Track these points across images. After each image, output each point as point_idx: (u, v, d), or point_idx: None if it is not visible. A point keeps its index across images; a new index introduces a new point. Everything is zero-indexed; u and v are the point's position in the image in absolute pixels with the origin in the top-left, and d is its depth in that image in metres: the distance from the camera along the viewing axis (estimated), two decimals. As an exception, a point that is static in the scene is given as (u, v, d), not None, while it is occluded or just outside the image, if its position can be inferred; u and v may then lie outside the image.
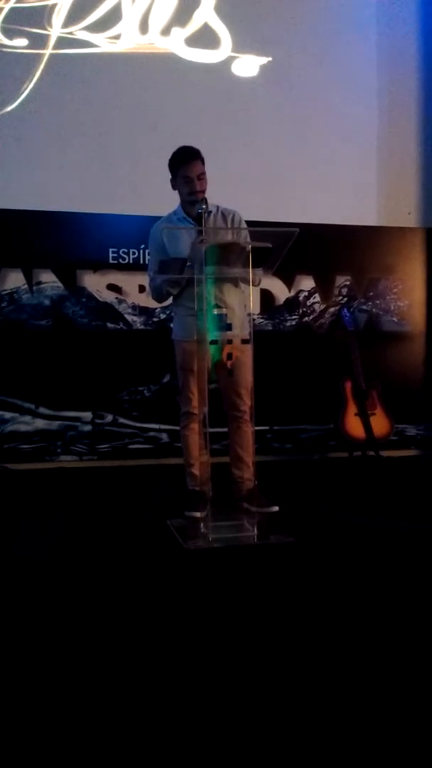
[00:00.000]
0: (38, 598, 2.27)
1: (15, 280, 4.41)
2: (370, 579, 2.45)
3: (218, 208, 3.26)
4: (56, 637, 1.95)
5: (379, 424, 4.53)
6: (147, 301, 4.56)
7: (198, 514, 3.08)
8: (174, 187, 3.23)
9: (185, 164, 3.13)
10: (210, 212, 3.19)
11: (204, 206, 3.09)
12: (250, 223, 3.39)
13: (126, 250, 4.54)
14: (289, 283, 4.83)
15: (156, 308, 4.56)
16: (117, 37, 4.73)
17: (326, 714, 1.56)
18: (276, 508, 3.23)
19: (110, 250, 4.52)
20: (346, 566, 2.59)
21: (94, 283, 4.52)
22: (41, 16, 4.58)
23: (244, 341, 3.08)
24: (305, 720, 1.53)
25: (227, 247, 2.98)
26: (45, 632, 1.99)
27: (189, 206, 3.20)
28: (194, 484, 3.26)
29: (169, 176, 3.23)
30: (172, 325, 3.38)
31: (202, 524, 2.96)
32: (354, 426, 4.51)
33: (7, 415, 4.38)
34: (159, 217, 3.32)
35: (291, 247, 2.92)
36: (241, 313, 3.22)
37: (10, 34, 4.53)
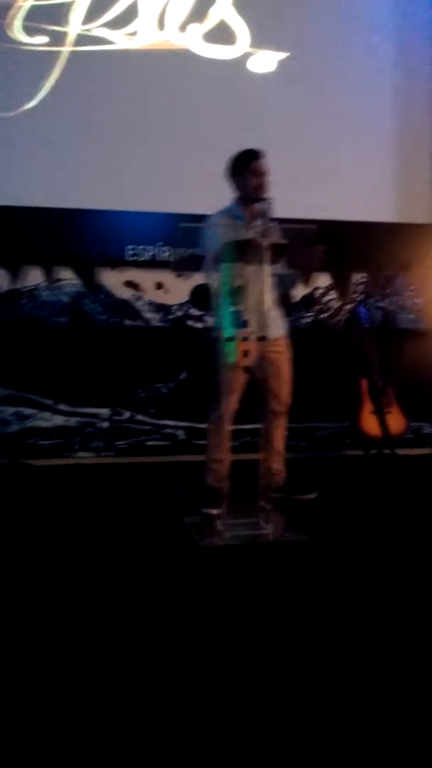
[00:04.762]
0: (53, 593, 2.30)
1: (34, 277, 4.46)
2: (384, 578, 2.47)
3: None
4: (71, 633, 1.99)
5: (395, 421, 4.52)
6: (164, 298, 4.59)
7: (214, 511, 3.12)
8: (236, 183, 3.29)
9: (258, 159, 3.24)
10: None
11: (270, 201, 3.13)
12: (273, 221, 3.40)
13: (144, 248, 4.56)
14: (305, 279, 4.84)
15: (173, 305, 4.58)
16: (134, 33, 4.73)
17: (341, 711, 1.58)
18: (314, 495, 3.43)
19: (128, 247, 4.55)
20: (360, 565, 2.61)
21: (112, 280, 4.55)
22: (60, 13, 4.60)
23: (285, 338, 3.35)
24: (320, 717, 1.56)
25: (277, 247, 3.03)
26: (59, 628, 2.03)
27: (249, 202, 3.26)
28: (213, 481, 3.30)
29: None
30: (215, 321, 3.31)
31: (218, 522, 2.99)
32: (370, 424, 4.50)
33: (27, 411, 4.43)
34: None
35: (307, 243, 2.96)
36: (279, 310, 3.35)
37: (29, 31, 4.56)
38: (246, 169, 3.25)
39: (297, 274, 3.32)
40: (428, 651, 1.90)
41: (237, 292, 3.13)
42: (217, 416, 3.30)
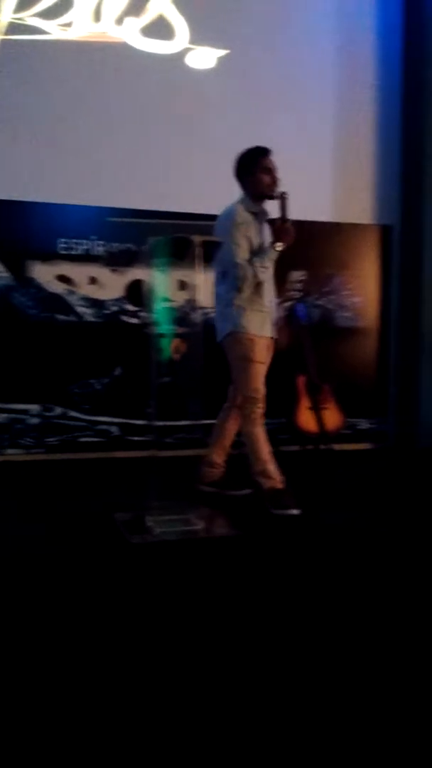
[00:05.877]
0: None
1: (-40, 269, 4.30)
2: (317, 570, 2.45)
3: None
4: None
5: (332, 417, 4.55)
6: (98, 293, 4.50)
7: (296, 511, 3.09)
8: (246, 180, 3.26)
9: (267, 155, 3.21)
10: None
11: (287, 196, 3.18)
12: (206, 217, 3.38)
13: (77, 241, 4.46)
14: (243, 277, 4.81)
15: (107, 300, 4.49)
16: (68, 24, 4.63)
17: (270, 709, 1.54)
18: (249, 491, 3.38)
19: (60, 240, 4.43)
20: (294, 559, 2.58)
21: (43, 273, 4.43)
22: (-10, 0, 4.46)
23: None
24: (246, 716, 1.51)
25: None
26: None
27: (260, 199, 3.24)
28: (278, 481, 3.24)
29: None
30: (234, 321, 3.22)
31: (147, 518, 2.91)
32: (307, 420, 4.51)
33: None
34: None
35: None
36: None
37: (-43, 17, 4.41)
38: (256, 166, 3.21)
39: None
40: (365, 646, 1.87)
41: (260, 289, 3.18)
42: (260, 411, 3.27)
